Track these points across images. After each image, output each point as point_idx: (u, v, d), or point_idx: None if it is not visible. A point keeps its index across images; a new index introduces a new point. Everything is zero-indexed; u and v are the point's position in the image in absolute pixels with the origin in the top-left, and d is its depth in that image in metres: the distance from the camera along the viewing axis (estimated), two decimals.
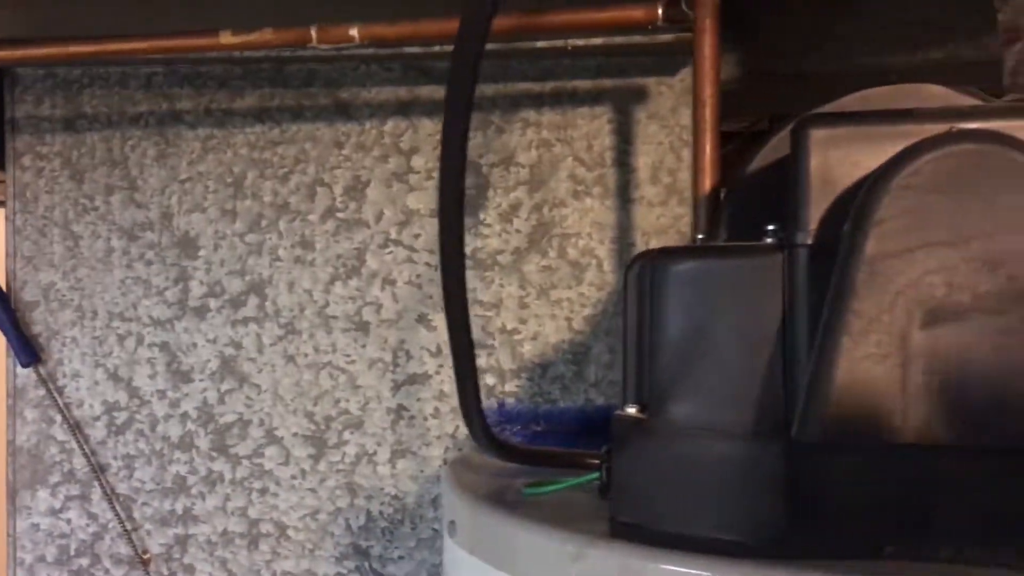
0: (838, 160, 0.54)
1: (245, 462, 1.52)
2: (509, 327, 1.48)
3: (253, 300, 1.52)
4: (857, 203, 0.50)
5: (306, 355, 1.50)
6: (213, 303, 1.52)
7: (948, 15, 1.40)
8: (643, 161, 1.46)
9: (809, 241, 0.55)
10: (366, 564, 1.50)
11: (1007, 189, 0.46)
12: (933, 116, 0.52)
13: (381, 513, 1.50)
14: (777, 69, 1.50)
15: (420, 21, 1.08)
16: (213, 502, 1.53)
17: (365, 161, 1.50)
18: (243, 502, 1.52)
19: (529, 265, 1.48)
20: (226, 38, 1.09)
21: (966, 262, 0.46)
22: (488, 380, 1.48)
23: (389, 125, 1.50)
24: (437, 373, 1.49)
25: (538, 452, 0.75)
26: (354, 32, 1.08)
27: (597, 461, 0.67)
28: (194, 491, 1.53)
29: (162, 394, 1.54)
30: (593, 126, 1.48)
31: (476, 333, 1.47)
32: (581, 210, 1.47)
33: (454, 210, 0.56)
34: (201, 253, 1.53)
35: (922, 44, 1.44)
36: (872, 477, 0.53)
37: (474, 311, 1.47)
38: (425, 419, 1.49)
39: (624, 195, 1.47)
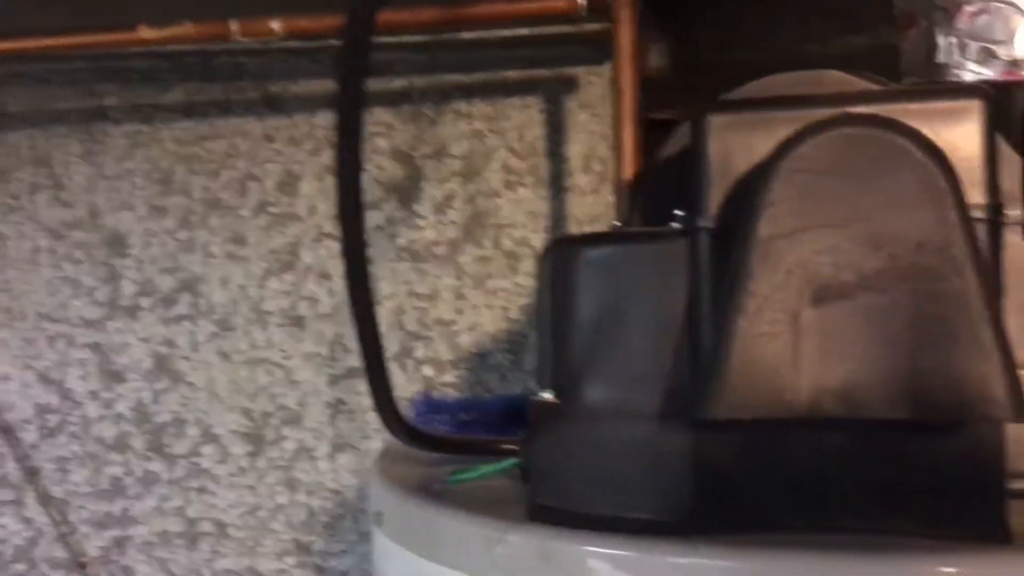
0: (736, 146, 0.55)
1: (182, 461, 1.51)
2: (446, 318, 1.48)
3: (186, 297, 1.50)
4: (750, 187, 0.51)
5: (242, 351, 1.50)
6: (145, 301, 1.51)
7: (867, 4, 1.43)
8: (575, 150, 1.47)
9: (711, 225, 0.56)
10: (308, 559, 1.49)
11: (888, 171, 0.48)
12: (824, 101, 0.54)
13: (322, 508, 1.49)
14: (701, 59, 1.52)
15: (341, 13, 1.08)
16: (150, 503, 1.51)
17: (297, 155, 1.49)
18: (181, 502, 1.51)
19: (464, 256, 1.48)
20: (145, 32, 1.08)
21: (851, 242, 0.48)
22: (426, 371, 1.49)
23: (320, 118, 1.49)
24: None
25: (455, 440, 0.75)
26: (276, 25, 1.07)
27: (515, 447, 0.68)
28: (131, 492, 1.52)
29: (95, 395, 1.52)
30: (525, 116, 1.48)
31: (413, 325, 1.48)
32: (515, 200, 1.48)
33: (352, 197, 0.56)
34: (131, 251, 1.51)
35: (843, 33, 1.47)
36: (773, 452, 0.55)
37: (410, 303, 1.48)
38: (364, 412, 1.49)
39: (557, 184, 1.48)
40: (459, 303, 1.48)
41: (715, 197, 0.56)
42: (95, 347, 1.51)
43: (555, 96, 1.48)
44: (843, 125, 0.49)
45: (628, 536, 0.59)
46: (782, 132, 0.53)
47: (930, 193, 0.47)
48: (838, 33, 1.50)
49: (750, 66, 0.73)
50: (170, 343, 1.50)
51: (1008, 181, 0.65)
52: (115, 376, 1.51)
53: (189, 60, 1.49)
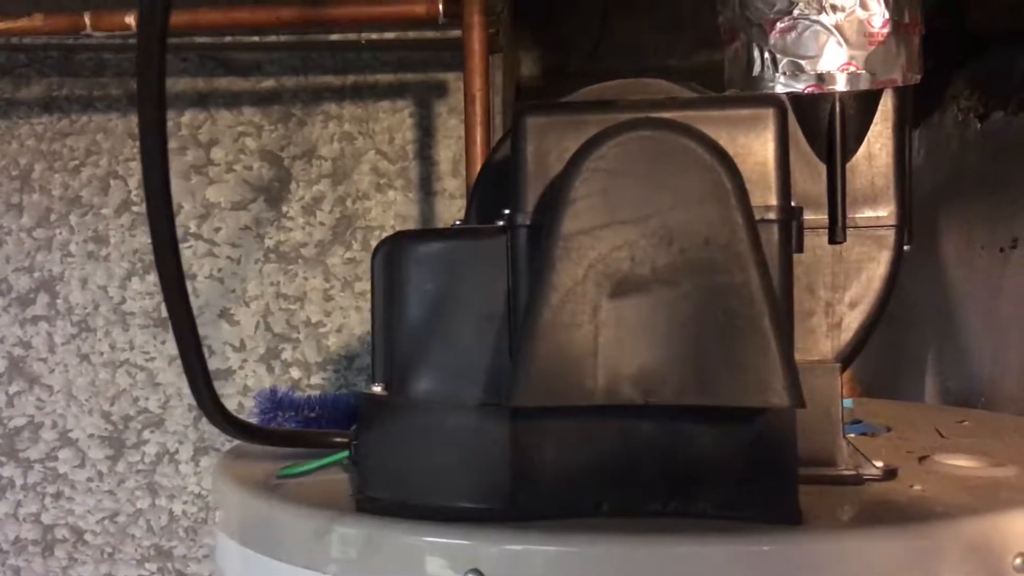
0: (551, 146, 0.58)
1: (37, 466, 1.46)
2: (314, 320, 1.48)
3: (43, 297, 1.46)
4: (556, 184, 0.54)
5: (102, 353, 1.46)
6: None
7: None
8: (444, 154, 1.49)
9: (528, 222, 0.58)
10: (169, 565, 1.47)
11: (676, 171, 0.51)
12: (631, 107, 0.57)
13: (184, 512, 1.47)
14: (569, 67, 1.56)
15: (198, 11, 1.07)
16: (4, 509, 1.46)
17: None
18: (36, 507, 1.46)
19: (333, 258, 1.48)
20: None
21: (646, 238, 0.51)
22: (294, 373, 1.48)
23: (187, 116, 1.47)
24: (241, 368, 1.47)
25: (283, 432, 0.76)
26: (131, 20, 1.05)
27: (346, 440, 0.69)
28: None
29: None
30: (395, 119, 1.49)
31: (280, 327, 1.47)
32: (384, 203, 1.48)
33: (158, 185, 0.56)
34: None
35: (704, 47, 1.54)
36: (583, 440, 0.57)
37: (278, 304, 1.47)
38: None
39: (426, 187, 1.50)
40: (327, 305, 1.48)
41: (532, 194, 0.58)
42: None
43: (425, 100, 1.50)
44: (637, 128, 0.52)
45: (451, 524, 0.60)
46: (592, 133, 0.56)
47: (715, 192, 0.50)
48: (701, 48, 1.56)
49: (617, 76, 0.76)
50: (26, 344, 1.46)
51: (813, 187, 0.70)
52: None
53: (49, 54, 1.45)
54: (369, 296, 1.46)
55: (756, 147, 0.56)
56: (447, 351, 0.62)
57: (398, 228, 1.48)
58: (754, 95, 0.65)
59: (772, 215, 0.56)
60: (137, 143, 1.50)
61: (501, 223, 0.62)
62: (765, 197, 0.56)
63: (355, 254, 1.48)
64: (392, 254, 0.65)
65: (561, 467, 0.59)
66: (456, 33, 1.30)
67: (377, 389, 0.65)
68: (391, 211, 1.48)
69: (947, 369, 1.39)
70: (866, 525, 0.59)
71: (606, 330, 0.51)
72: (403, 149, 1.49)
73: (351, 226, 1.48)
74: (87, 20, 1.05)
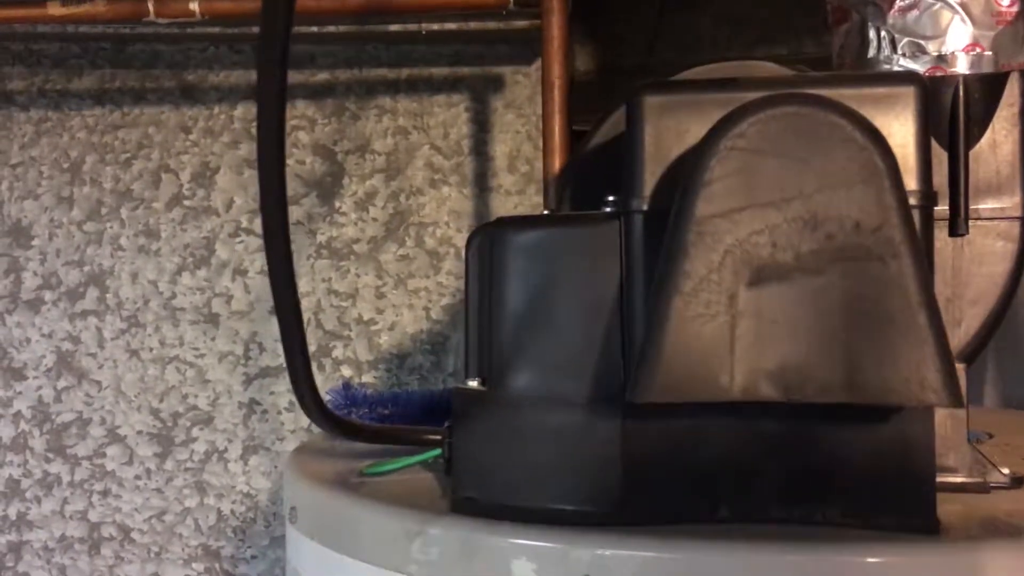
0: (670, 127, 0.54)
1: (85, 463, 1.44)
2: (366, 317, 1.45)
3: (92, 292, 1.44)
4: (687, 166, 0.50)
5: (151, 349, 1.44)
6: (48, 295, 1.44)
7: (789, 18, 1.46)
8: (500, 150, 1.46)
9: (644, 207, 0.55)
10: (216, 565, 1.44)
11: (824, 150, 0.47)
12: (758, 84, 0.53)
13: (232, 512, 1.44)
14: (624, 63, 1.52)
15: None
16: (50, 506, 1.44)
17: (214, 147, 1.44)
18: (83, 505, 1.44)
19: (386, 254, 1.45)
20: (55, 8, 1.03)
21: (788, 222, 0.47)
22: (345, 371, 1.45)
23: (239, 110, 1.44)
24: None
25: (377, 429, 0.73)
26: (195, 6, 1.03)
27: (439, 437, 0.66)
28: (29, 495, 1.44)
29: None
30: (450, 114, 1.46)
31: (332, 324, 1.44)
32: (438, 199, 1.45)
33: (275, 183, 0.54)
34: (35, 242, 1.44)
35: (763, 41, 1.50)
36: (700, 438, 0.54)
37: (329, 301, 1.44)
38: (279, 413, 1.44)
39: (481, 183, 1.46)
40: (379, 302, 1.45)
41: (649, 178, 0.54)
42: None
43: (481, 94, 1.46)
44: (781, 104, 0.48)
45: (553, 528, 0.57)
46: (716, 114, 0.52)
47: (868, 173, 0.47)
48: (760, 43, 1.52)
49: (674, 71, 0.72)
50: (75, 339, 1.44)
51: (935, 176, 0.65)
52: (14, 373, 1.44)
53: (102, 45, 1.43)
54: (422, 293, 1.44)
55: (896, 127, 0.52)
56: (551, 344, 0.59)
57: (452, 224, 1.45)
58: (892, 72, 0.61)
59: (914, 200, 0.52)
60: (189, 137, 1.47)
61: (609, 209, 0.58)
62: (907, 181, 0.52)
63: (408, 250, 1.45)
64: (490, 242, 0.61)
65: (676, 469, 0.55)
66: (520, 23, 1.27)
67: (473, 384, 0.62)
68: (445, 207, 1.45)
69: (1008, 375, 1.34)
70: (1006, 536, 0.55)
71: (744, 321, 0.47)
72: (458, 144, 1.46)
73: (404, 222, 1.45)
74: (151, 6, 1.02)
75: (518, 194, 1.45)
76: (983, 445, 0.79)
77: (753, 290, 0.47)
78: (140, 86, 1.44)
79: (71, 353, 1.44)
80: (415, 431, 0.70)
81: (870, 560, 0.51)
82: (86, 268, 1.44)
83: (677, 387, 0.49)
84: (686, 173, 0.49)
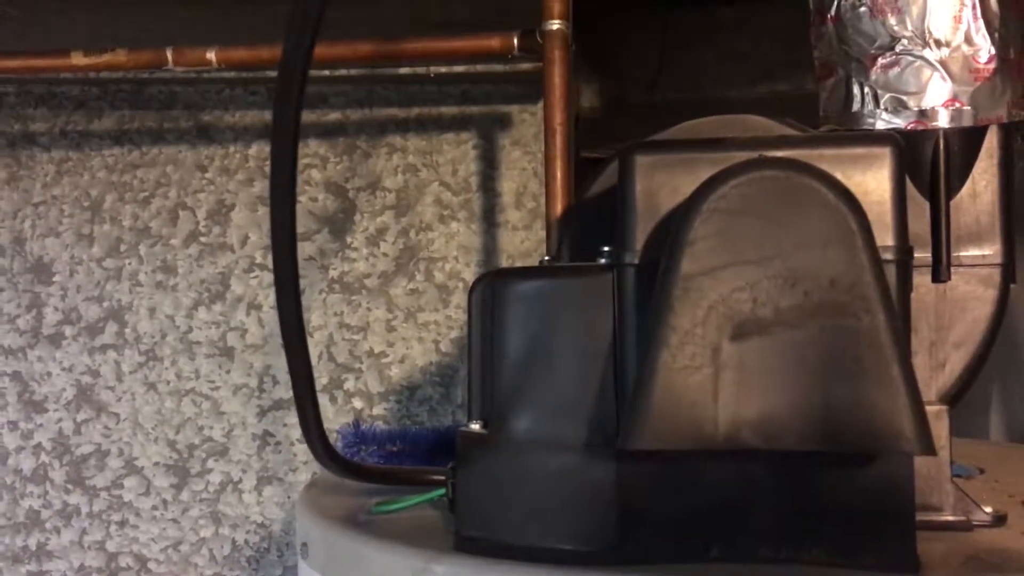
0: (660, 185, 0.57)
1: (103, 494, 1.47)
2: (376, 350, 1.48)
3: (112, 327, 1.48)
4: (673, 225, 0.53)
5: (168, 382, 1.47)
6: (69, 330, 1.48)
7: (790, 53, 1.49)
8: (507, 186, 1.49)
9: (636, 261, 0.58)
10: None
11: (802, 211, 0.50)
12: (744, 145, 0.56)
13: (247, 542, 1.47)
14: (629, 99, 1.56)
15: (277, 45, 1.08)
16: (69, 536, 1.47)
17: (229, 185, 1.49)
18: (101, 535, 1.47)
19: (396, 288, 1.49)
20: (78, 59, 1.07)
21: (769, 279, 0.50)
22: (356, 403, 1.48)
23: (254, 149, 1.49)
24: None
25: (383, 470, 0.75)
26: (211, 55, 1.07)
27: (443, 477, 0.68)
28: (48, 525, 1.47)
29: (14, 425, 1.48)
30: (458, 152, 1.50)
31: (343, 357, 1.47)
32: (447, 234, 1.49)
33: (285, 220, 0.57)
34: (56, 279, 1.48)
35: (765, 77, 1.53)
36: (694, 484, 0.56)
37: (341, 335, 1.47)
38: (292, 444, 1.48)
39: (489, 219, 1.50)
40: (390, 335, 1.48)
41: (640, 233, 0.57)
42: (15, 376, 1.48)
43: (489, 132, 1.50)
44: (761, 168, 0.51)
45: (552, 566, 0.59)
46: (704, 173, 0.55)
47: (841, 233, 0.50)
48: (762, 79, 1.56)
49: (677, 107, 0.75)
50: (94, 373, 1.47)
51: (916, 224, 0.68)
52: (35, 406, 1.48)
53: (122, 87, 1.48)
54: (432, 327, 1.47)
55: (873, 186, 0.55)
56: (549, 390, 0.62)
57: (461, 259, 1.48)
58: (869, 133, 0.64)
59: (890, 255, 0.55)
60: (205, 175, 1.51)
61: (604, 260, 0.61)
62: (883, 237, 0.54)
63: (418, 285, 1.49)
64: (492, 291, 0.64)
65: (669, 510, 0.58)
66: (525, 66, 1.31)
67: (476, 427, 0.65)
68: (454, 242, 1.49)
69: (1013, 405, 1.36)
70: (985, 573, 0.57)
71: (727, 373, 0.50)
72: (466, 181, 1.50)
73: (414, 257, 1.49)
74: (169, 55, 1.07)
75: (525, 229, 1.49)
76: (972, 481, 0.82)
77: (735, 343, 0.50)
78: (158, 126, 1.49)
79: (90, 386, 1.47)
80: (420, 472, 0.73)
81: None
82: (105, 304, 1.48)
83: (664, 435, 0.52)
84: (672, 231, 0.53)
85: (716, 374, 0.50)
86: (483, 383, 0.65)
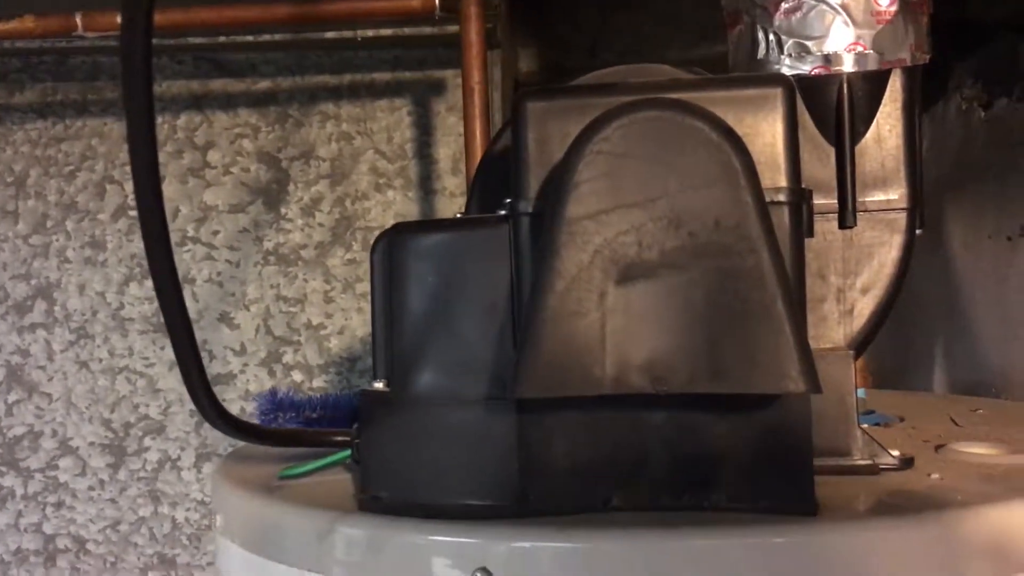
0: (553, 132, 0.56)
1: (38, 475, 1.44)
2: (315, 322, 1.46)
3: (40, 304, 1.44)
4: (558, 169, 0.52)
5: (101, 360, 1.44)
6: None
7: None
8: (443, 152, 1.47)
9: (530, 210, 0.57)
10: (173, 573, 1.45)
11: (684, 152, 0.49)
12: (635, 89, 0.55)
13: (187, 520, 1.45)
14: (568, 63, 1.54)
15: (190, 9, 1.06)
16: (4, 519, 1.45)
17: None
18: (37, 517, 1.45)
19: (333, 259, 1.47)
20: None
21: (653, 221, 0.49)
22: (295, 377, 1.46)
23: (182, 119, 1.46)
24: (242, 372, 1.46)
25: (284, 432, 0.74)
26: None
27: (347, 439, 0.67)
28: None
29: None
30: (393, 119, 1.48)
31: (281, 330, 1.45)
32: (384, 202, 1.47)
33: (150, 183, 0.55)
34: None
35: (704, 39, 1.52)
36: (589, 433, 0.56)
37: (278, 307, 1.45)
38: None
39: (426, 186, 1.48)
40: (328, 307, 1.46)
41: (534, 181, 0.56)
42: None
43: (423, 99, 1.48)
44: (642, 109, 0.50)
45: (457, 522, 0.59)
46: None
47: (724, 173, 0.49)
48: (701, 41, 1.55)
49: None
50: (24, 352, 1.44)
51: (822, 171, 0.68)
52: None
53: (43, 59, 1.44)
54: (370, 297, 1.45)
55: (764, 128, 0.55)
56: (449, 345, 0.61)
57: None
58: (760, 75, 0.63)
59: (782, 197, 0.54)
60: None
61: (503, 212, 0.60)
62: (775, 179, 0.54)
63: (355, 255, 1.47)
64: (391, 247, 0.63)
65: (569, 462, 0.57)
66: (453, 28, 1.29)
67: (379, 386, 0.64)
68: (391, 211, 1.47)
69: (956, 360, 1.37)
70: (884, 515, 0.57)
71: (614, 317, 0.49)
72: (402, 148, 1.48)
73: (351, 227, 1.47)
74: (79, 21, 1.03)
75: (462, 195, 1.47)
76: (890, 428, 0.82)
77: (622, 287, 0.49)
78: (82, 99, 1.45)
79: (20, 367, 1.44)
80: (324, 433, 0.72)
81: (745, 541, 0.53)
82: (33, 281, 1.44)
83: (553, 382, 0.51)
84: (557, 177, 0.51)
85: (603, 318, 0.49)
86: (386, 341, 0.64)
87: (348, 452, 0.68)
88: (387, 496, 0.62)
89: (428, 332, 0.61)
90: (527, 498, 0.58)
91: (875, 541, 0.54)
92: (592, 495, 0.58)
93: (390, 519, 0.61)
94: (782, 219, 0.54)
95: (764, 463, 0.55)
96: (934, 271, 1.34)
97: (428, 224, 0.65)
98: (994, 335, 1.25)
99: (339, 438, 0.69)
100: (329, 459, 0.69)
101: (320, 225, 1.47)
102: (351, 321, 1.47)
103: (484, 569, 0.56)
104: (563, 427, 0.56)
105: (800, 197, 0.55)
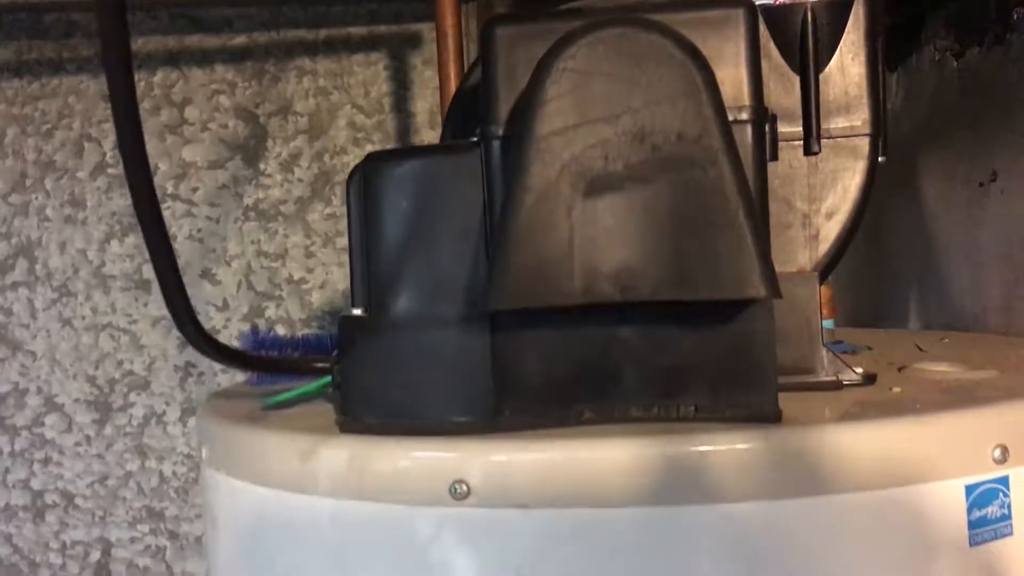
0: (521, 56, 0.57)
1: (24, 432, 1.46)
2: (296, 277, 1.48)
3: (22, 263, 1.45)
4: (527, 88, 0.54)
5: (83, 317, 1.45)
6: None
7: None
8: (420, 106, 1.48)
9: (500, 132, 0.58)
10: (161, 526, 1.47)
11: (648, 68, 0.51)
12: (600, 13, 0.57)
13: (174, 473, 1.47)
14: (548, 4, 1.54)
15: None
16: None
17: None
18: (25, 474, 1.46)
19: (313, 214, 1.48)
20: None
21: (618, 136, 0.51)
22: (279, 331, 1.48)
23: (158, 76, 1.46)
24: (225, 327, 1.47)
25: (267, 359, 0.76)
26: None
27: (327, 365, 0.69)
28: None
29: None
30: (369, 73, 1.49)
31: (263, 285, 1.46)
32: (362, 157, 1.47)
33: (131, 125, 0.56)
34: None
35: None
36: (561, 347, 0.57)
37: (259, 263, 1.46)
38: (215, 375, 1.47)
39: (404, 140, 1.49)
40: (309, 261, 1.48)
41: (504, 104, 0.58)
42: None
43: (400, 52, 1.49)
44: (607, 27, 0.51)
45: (434, 438, 0.60)
46: None
47: (686, 87, 0.50)
48: None
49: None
50: (7, 311, 1.45)
51: (787, 99, 0.70)
52: None
53: (18, 16, 1.43)
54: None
55: (727, 48, 0.56)
56: (425, 268, 0.62)
57: None
58: None
59: (745, 115, 0.56)
60: (108, 105, 1.48)
61: (475, 139, 0.62)
62: (737, 98, 0.55)
63: (335, 209, 1.48)
64: (366, 176, 0.64)
65: (542, 378, 0.59)
66: None
67: (357, 312, 0.65)
68: None
69: (929, 306, 1.40)
70: (844, 420, 0.59)
71: (582, 229, 0.51)
72: (379, 102, 1.49)
73: (330, 181, 1.48)
74: None
75: None
76: (857, 355, 0.84)
77: (589, 200, 0.51)
78: (58, 56, 1.45)
79: (4, 325, 1.45)
80: (304, 361, 0.73)
81: (709, 449, 0.55)
82: (13, 240, 1.45)
83: (524, 294, 0.53)
84: (525, 95, 0.53)
85: (572, 231, 0.51)
86: (363, 269, 0.66)
87: (327, 379, 0.70)
88: (367, 418, 0.64)
89: (404, 257, 0.63)
90: (502, 413, 0.60)
91: (836, 445, 0.57)
92: (565, 409, 0.59)
93: (370, 438, 0.62)
94: (745, 137, 0.55)
95: (729, 374, 0.57)
96: (907, 221, 1.36)
97: (402, 152, 0.66)
98: (967, 280, 1.28)
99: (320, 364, 0.71)
100: (311, 386, 0.71)
101: (299, 180, 1.48)
102: (332, 275, 1.48)
103: (462, 481, 0.58)
104: (535, 343, 0.58)
105: (763, 116, 0.57)
